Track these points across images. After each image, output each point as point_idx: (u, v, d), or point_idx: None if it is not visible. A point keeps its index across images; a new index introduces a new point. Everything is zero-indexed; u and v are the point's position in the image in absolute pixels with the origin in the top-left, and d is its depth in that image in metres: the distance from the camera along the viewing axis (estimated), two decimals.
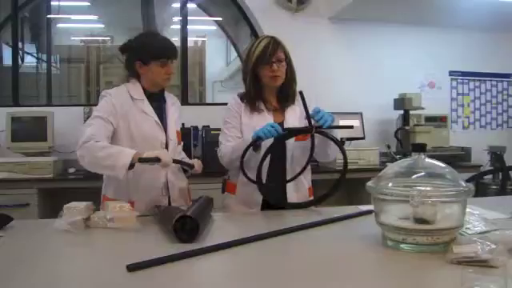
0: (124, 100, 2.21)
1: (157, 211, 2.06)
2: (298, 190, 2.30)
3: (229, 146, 2.25)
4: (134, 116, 2.20)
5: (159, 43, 2.25)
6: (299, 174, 2.25)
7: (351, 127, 2.15)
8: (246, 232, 1.65)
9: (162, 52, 2.20)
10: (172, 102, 2.40)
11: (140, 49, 2.24)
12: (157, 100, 2.31)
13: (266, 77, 2.25)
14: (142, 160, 1.97)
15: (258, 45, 2.26)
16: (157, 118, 2.25)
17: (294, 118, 2.28)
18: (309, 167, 2.36)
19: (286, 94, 2.33)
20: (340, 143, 2.17)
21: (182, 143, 2.52)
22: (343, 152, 2.17)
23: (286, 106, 2.32)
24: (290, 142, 2.25)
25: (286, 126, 2.22)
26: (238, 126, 2.30)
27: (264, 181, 2.19)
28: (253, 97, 2.30)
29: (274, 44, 2.25)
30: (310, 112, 2.11)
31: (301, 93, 2.07)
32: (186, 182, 2.40)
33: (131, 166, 1.98)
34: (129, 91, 2.24)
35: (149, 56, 2.19)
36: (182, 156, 2.45)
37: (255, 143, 2.10)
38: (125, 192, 2.19)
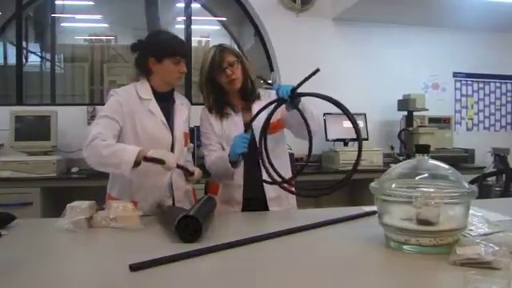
0: (131, 99, 2.20)
1: (159, 211, 2.06)
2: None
3: (212, 162, 2.33)
4: (140, 115, 2.19)
5: (173, 41, 2.25)
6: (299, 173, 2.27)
7: (317, 71, 2.06)
8: (250, 232, 1.65)
9: (175, 50, 2.20)
10: (181, 102, 2.38)
11: (155, 46, 2.23)
12: (165, 100, 2.29)
13: (225, 83, 2.31)
14: (148, 159, 1.95)
15: (206, 57, 2.32)
16: (163, 118, 2.24)
17: (261, 115, 2.24)
18: (286, 157, 2.46)
19: (247, 92, 2.39)
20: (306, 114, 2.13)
21: (192, 146, 2.52)
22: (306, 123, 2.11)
23: (251, 104, 2.37)
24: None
25: (255, 124, 2.27)
26: (213, 132, 2.37)
27: (242, 177, 2.32)
28: (219, 104, 2.37)
29: (220, 51, 2.31)
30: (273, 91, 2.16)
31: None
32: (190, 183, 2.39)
33: (137, 163, 1.97)
34: (137, 90, 2.23)
35: (163, 53, 2.19)
36: (189, 159, 2.44)
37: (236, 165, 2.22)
38: (129, 191, 2.18)
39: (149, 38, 2.32)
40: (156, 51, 2.21)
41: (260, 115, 2.20)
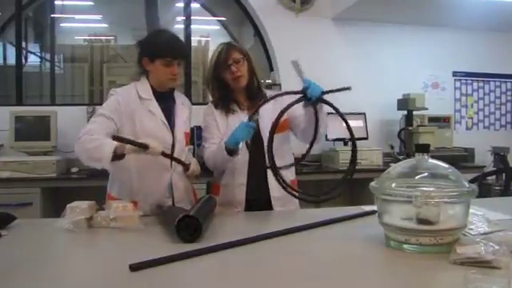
0: (131, 98, 2.18)
1: (159, 211, 2.06)
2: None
3: (210, 152, 2.30)
4: (140, 115, 2.17)
5: (166, 41, 2.20)
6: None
7: (348, 88, 2.08)
8: (250, 232, 1.65)
9: (166, 51, 2.16)
10: (181, 101, 2.36)
11: (148, 45, 2.22)
12: (166, 100, 2.28)
13: (230, 80, 2.31)
14: (127, 141, 1.90)
15: (213, 53, 2.34)
16: (164, 118, 2.22)
17: (267, 113, 2.24)
18: (291, 157, 2.45)
19: (253, 91, 2.38)
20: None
21: (192, 147, 2.50)
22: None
23: (256, 102, 2.31)
24: (267, 136, 2.23)
25: (260, 122, 2.27)
26: (217, 127, 2.35)
27: (246, 177, 2.29)
28: (224, 101, 2.37)
29: (228, 48, 2.31)
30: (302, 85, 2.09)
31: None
32: (189, 183, 2.38)
33: (120, 157, 1.93)
34: (137, 90, 2.22)
35: (154, 53, 2.17)
36: (189, 157, 2.41)
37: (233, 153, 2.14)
38: (129, 192, 2.17)
39: (147, 36, 2.30)
40: (148, 51, 2.20)
41: (265, 112, 2.18)
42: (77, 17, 6.93)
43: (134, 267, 1.27)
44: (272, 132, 2.00)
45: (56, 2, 6.11)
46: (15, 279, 1.23)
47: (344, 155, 4.29)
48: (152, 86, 2.25)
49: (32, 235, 1.76)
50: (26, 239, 1.70)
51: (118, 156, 1.92)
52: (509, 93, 5.73)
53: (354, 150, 2.08)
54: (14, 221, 1.85)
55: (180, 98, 2.38)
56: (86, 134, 2.01)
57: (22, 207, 3.57)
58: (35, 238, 1.72)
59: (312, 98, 2.02)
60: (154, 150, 1.95)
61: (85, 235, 1.75)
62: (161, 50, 2.17)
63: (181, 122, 2.30)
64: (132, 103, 2.18)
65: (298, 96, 2.04)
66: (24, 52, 5.44)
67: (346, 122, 2.06)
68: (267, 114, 2.22)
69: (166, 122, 2.23)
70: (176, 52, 2.18)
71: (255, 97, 2.37)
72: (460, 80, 5.54)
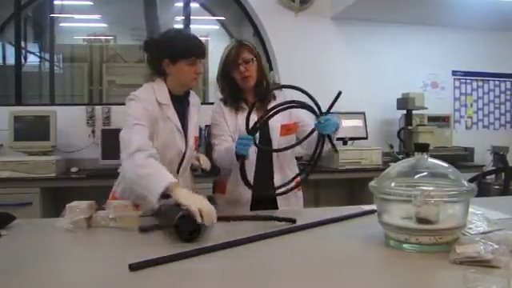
0: (153, 105, 2.10)
1: (158, 211, 2.05)
2: (284, 182, 2.30)
3: (219, 152, 2.29)
4: (158, 122, 2.11)
5: (189, 41, 2.17)
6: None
7: (336, 151, 2.25)
8: (249, 231, 1.65)
9: (191, 50, 2.12)
10: (193, 102, 2.31)
11: (169, 46, 2.14)
12: (181, 103, 2.23)
13: (238, 79, 2.31)
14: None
15: (224, 51, 2.34)
16: (179, 126, 2.17)
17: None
18: (295, 160, 2.49)
19: (262, 91, 2.36)
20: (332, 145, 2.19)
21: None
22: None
23: (266, 103, 2.33)
24: (276, 137, 2.33)
25: (269, 123, 2.27)
26: (226, 124, 2.35)
27: (252, 175, 2.26)
28: (233, 98, 2.37)
29: (238, 47, 2.32)
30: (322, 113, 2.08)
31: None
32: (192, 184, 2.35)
33: (167, 196, 1.77)
34: (155, 95, 2.14)
35: (178, 54, 2.11)
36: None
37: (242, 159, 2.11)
38: (132, 194, 2.14)
39: (162, 38, 2.21)
40: (171, 52, 2.12)
41: (274, 118, 2.16)
42: (76, 16, 6.93)
43: (134, 267, 1.27)
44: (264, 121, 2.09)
45: (55, 2, 6.11)
46: (15, 279, 1.23)
47: (343, 155, 4.29)
48: (169, 90, 2.19)
49: (31, 235, 1.76)
50: (26, 239, 1.69)
51: (165, 195, 1.78)
52: (508, 92, 5.73)
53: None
54: (13, 221, 1.84)
55: (193, 99, 2.32)
56: (141, 150, 1.88)
57: (22, 207, 3.57)
58: (35, 238, 1.72)
59: (320, 130, 2.06)
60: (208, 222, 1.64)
61: (84, 235, 1.75)
62: (185, 49, 2.12)
63: (192, 126, 2.26)
64: (154, 110, 2.10)
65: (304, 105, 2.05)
66: (23, 52, 5.45)
67: (336, 151, 2.29)
68: (275, 117, 2.20)
69: (181, 129, 2.19)
70: (200, 50, 2.16)
71: (263, 98, 2.36)
72: (459, 79, 5.54)
